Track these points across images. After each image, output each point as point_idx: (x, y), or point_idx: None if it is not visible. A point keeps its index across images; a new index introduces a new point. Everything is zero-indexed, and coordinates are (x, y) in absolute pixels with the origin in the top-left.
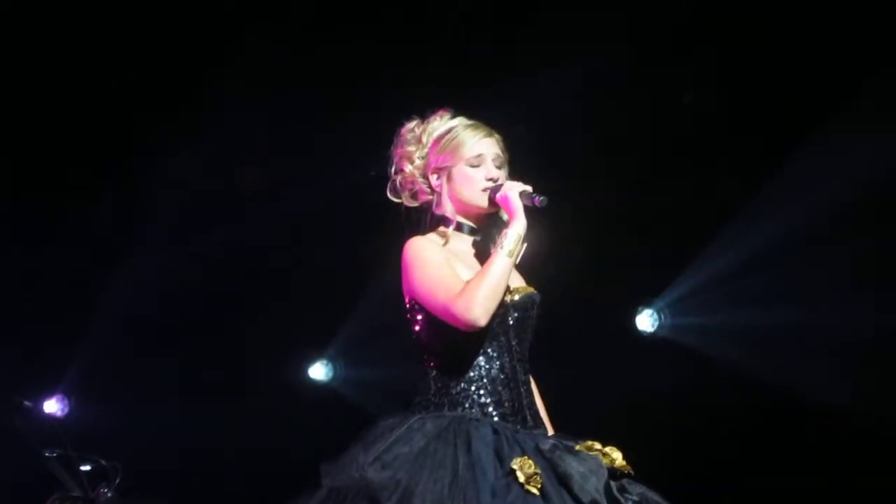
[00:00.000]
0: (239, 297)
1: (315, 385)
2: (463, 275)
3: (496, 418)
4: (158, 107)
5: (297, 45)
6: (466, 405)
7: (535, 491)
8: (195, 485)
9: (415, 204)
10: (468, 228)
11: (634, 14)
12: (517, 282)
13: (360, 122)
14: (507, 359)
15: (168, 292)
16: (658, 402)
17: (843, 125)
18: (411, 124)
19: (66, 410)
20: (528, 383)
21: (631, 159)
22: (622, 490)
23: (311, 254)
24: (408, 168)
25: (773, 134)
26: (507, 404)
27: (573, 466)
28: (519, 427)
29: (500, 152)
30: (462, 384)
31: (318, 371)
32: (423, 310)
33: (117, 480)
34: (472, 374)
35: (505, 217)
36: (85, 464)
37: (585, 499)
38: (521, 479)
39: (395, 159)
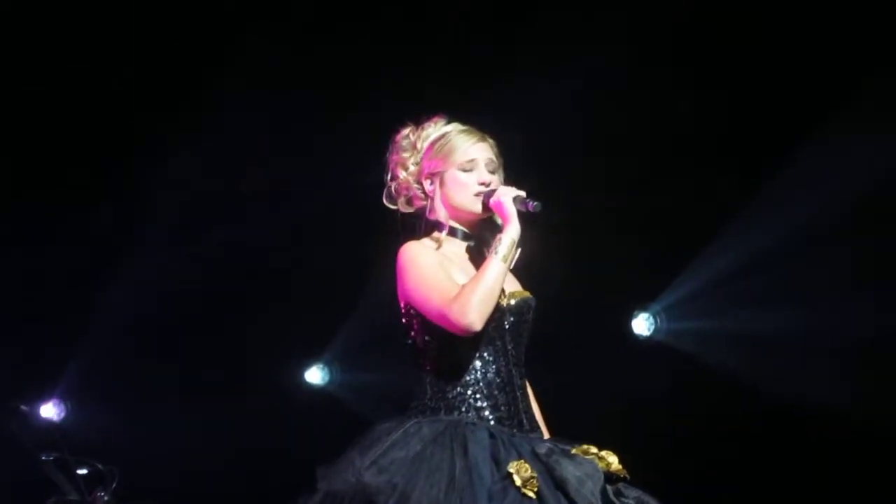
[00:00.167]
0: (236, 301)
1: (311, 389)
2: (458, 279)
3: (492, 422)
4: (158, 107)
5: (297, 45)
6: (463, 409)
7: (531, 495)
8: (192, 489)
9: (410, 210)
10: (461, 233)
11: (634, 14)
12: (513, 286)
13: (360, 122)
14: (503, 363)
15: (165, 298)
16: (654, 406)
17: (843, 125)
18: (406, 130)
19: (63, 414)
20: (524, 387)
21: (628, 161)
22: (618, 494)
23: (308, 257)
24: (402, 174)
25: (772, 135)
26: (503, 408)
27: (569, 470)
28: (515, 431)
29: (493, 157)
30: (458, 388)
31: (315, 375)
32: (418, 314)
33: (114, 484)
34: (468, 378)
35: (499, 221)
36: (82, 468)
37: (582, 503)
38: (518, 482)
39: (391, 165)
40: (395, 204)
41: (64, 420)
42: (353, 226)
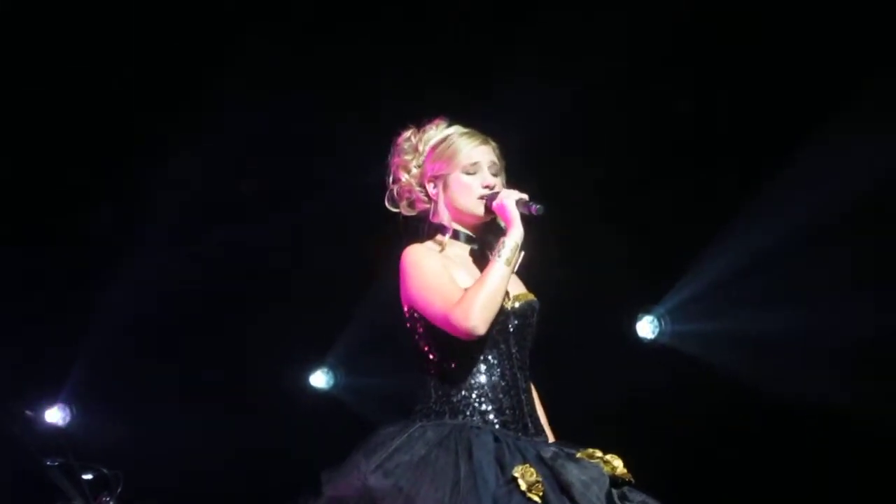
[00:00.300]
0: (239, 304)
1: (316, 393)
2: (461, 282)
3: (497, 426)
4: (158, 107)
5: (297, 45)
6: (467, 413)
7: (536, 499)
8: (195, 491)
9: (413, 213)
10: (465, 236)
11: (634, 14)
12: (517, 289)
13: (359, 123)
14: (508, 366)
15: (166, 301)
16: (659, 409)
17: (843, 125)
18: (407, 133)
19: (68, 419)
20: (529, 390)
21: (629, 163)
22: (623, 498)
23: (311, 260)
24: (404, 177)
25: (772, 135)
26: (507, 412)
27: (574, 475)
28: (520, 434)
29: (495, 160)
30: (463, 392)
31: (319, 379)
32: (421, 318)
33: (119, 489)
34: (472, 381)
35: (502, 224)
36: (87, 473)
37: None
38: (523, 486)
39: (392, 168)
40: (397, 207)
41: (69, 425)
42: (356, 227)
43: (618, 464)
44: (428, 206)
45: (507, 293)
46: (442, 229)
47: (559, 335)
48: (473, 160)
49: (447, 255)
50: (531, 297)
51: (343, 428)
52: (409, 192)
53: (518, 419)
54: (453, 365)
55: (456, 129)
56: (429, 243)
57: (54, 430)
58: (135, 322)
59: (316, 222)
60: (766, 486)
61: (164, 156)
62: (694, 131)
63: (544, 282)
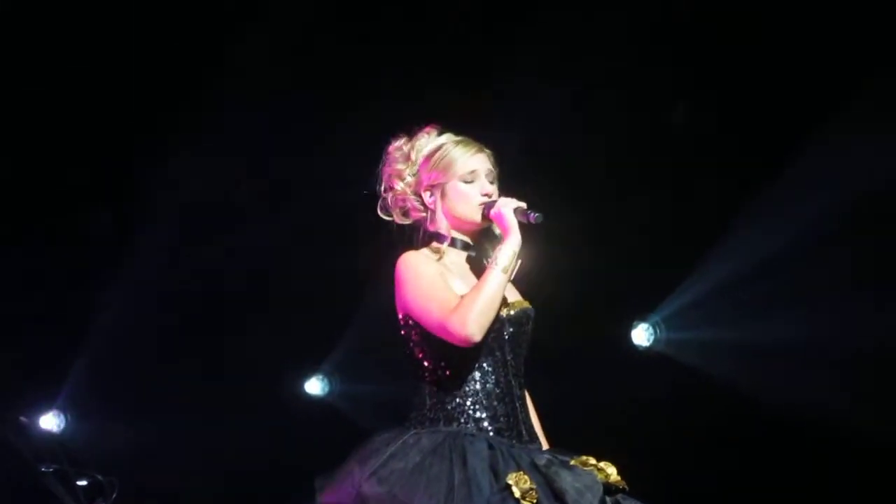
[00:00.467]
0: (235, 311)
1: (311, 400)
2: (458, 289)
3: (491, 433)
4: (158, 107)
5: (297, 45)
6: (462, 420)
7: None
8: (192, 499)
9: (407, 221)
10: (462, 243)
11: (634, 15)
12: (512, 296)
13: (359, 124)
14: (503, 373)
15: (163, 311)
16: (654, 417)
17: (843, 127)
18: (398, 142)
19: (63, 426)
20: (524, 398)
21: (626, 170)
22: None
23: (306, 267)
24: (398, 186)
25: (771, 141)
26: (502, 419)
27: (568, 482)
28: (514, 442)
29: (492, 167)
30: (457, 399)
31: (314, 386)
32: (417, 325)
33: (114, 496)
34: (467, 388)
35: (497, 231)
36: (81, 479)
37: None
38: (517, 494)
39: (385, 177)
40: (391, 215)
41: (63, 431)
42: (352, 234)
43: (611, 471)
44: (423, 214)
45: (503, 300)
46: (439, 237)
47: (554, 342)
48: (471, 168)
49: (444, 262)
50: (526, 304)
51: (338, 435)
52: (404, 200)
53: (512, 426)
54: (448, 372)
55: (449, 138)
56: (425, 251)
57: (49, 436)
58: (130, 329)
59: (312, 228)
60: (764, 495)
61: (163, 157)
62: (692, 135)
63: (540, 289)
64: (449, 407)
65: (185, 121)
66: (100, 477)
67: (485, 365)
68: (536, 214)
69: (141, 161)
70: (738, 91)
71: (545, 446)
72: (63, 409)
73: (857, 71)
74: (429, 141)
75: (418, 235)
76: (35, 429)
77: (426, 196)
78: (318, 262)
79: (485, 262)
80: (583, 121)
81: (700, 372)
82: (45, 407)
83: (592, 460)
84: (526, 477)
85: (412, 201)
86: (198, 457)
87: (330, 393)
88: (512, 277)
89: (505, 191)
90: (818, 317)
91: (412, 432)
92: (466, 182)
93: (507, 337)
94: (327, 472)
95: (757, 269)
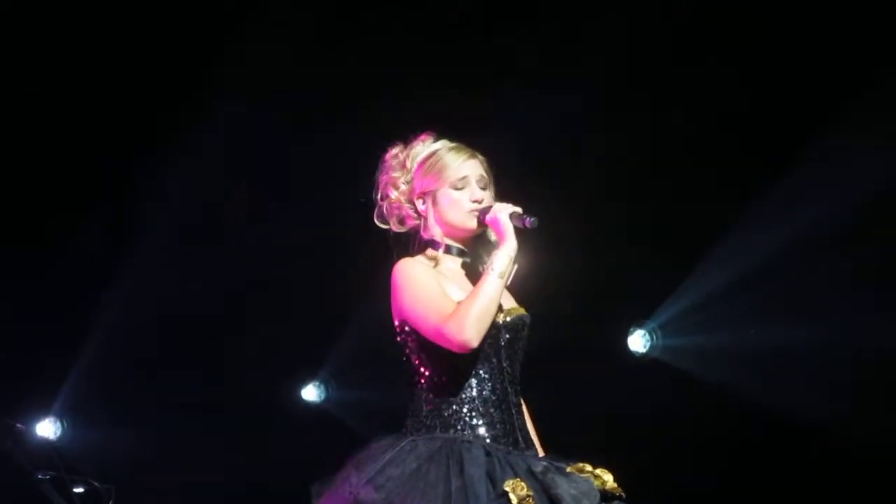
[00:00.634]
0: (232, 318)
1: (307, 406)
2: (454, 296)
3: (488, 440)
4: (159, 108)
5: (297, 45)
6: (458, 427)
7: None
8: None
9: (403, 229)
10: (457, 250)
11: (634, 16)
12: (508, 303)
13: (359, 127)
14: (499, 380)
15: (160, 319)
16: (650, 424)
17: (843, 134)
18: (395, 150)
19: (59, 433)
20: (520, 405)
21: (622, 176)
22: None
23: (303, 274)
24: (393, 194)
25: (770, 144)
26: (498, 426)
27: (565, 489)
28: (511, 449)
29: (484, 173)
30: (454, 406)
31: (311, 392)
32: (413, 332)
33: (111, 503)
34: (463, 395)
35: (493, 237)
36: (78, 486)
37: None
38: (514, 501)
39: (381, 185)
40: (387, 224)
41: (60, 438)
42: (349, 241)
43: (608, 478)
44: (418, 222)
45: (499, 307)
46: (433, 244)
47: (550, 349)
48: (461, 175)
49: (440, 269)
50: (522, 311)
51: (334, 441)
52: (399, 208)
53: (508, 433)
54: (444, 379)
55: (444, 144)
56: (420, 257)
57: (46, 443)
58: (126, 337)
59: (311, 234)
60: (763, 502)
61: (164, 157)
62: (690, 142)
63: (536, 296)
64: (445, 414)
65: (184, 121)
66: (97, 484)
67: (481, 372)
68: (532, 219)
69: (141, 161)
70: (734, 102)
71: (541, 453)
72: (59, 416)
73: (858, 72)
74: (424, 148)
75: (414, 243)
76: (31, 436)
77: (419, 203)
78: (315, 268)
79: (480, 268)
80: (580, 125)
81: (697, 378)
82: (41, 414)
83: (589, 467)
84: (523, 484)
85: (407, 209)
86: (195, 464)
87: (326, 399)
88: (508, 283)
89: (501, 195)
90: (815, 322)
91: (409, 439)
92: (457, 189)
93: (503, 344)
94: (324, 478)
95: (752, 277)
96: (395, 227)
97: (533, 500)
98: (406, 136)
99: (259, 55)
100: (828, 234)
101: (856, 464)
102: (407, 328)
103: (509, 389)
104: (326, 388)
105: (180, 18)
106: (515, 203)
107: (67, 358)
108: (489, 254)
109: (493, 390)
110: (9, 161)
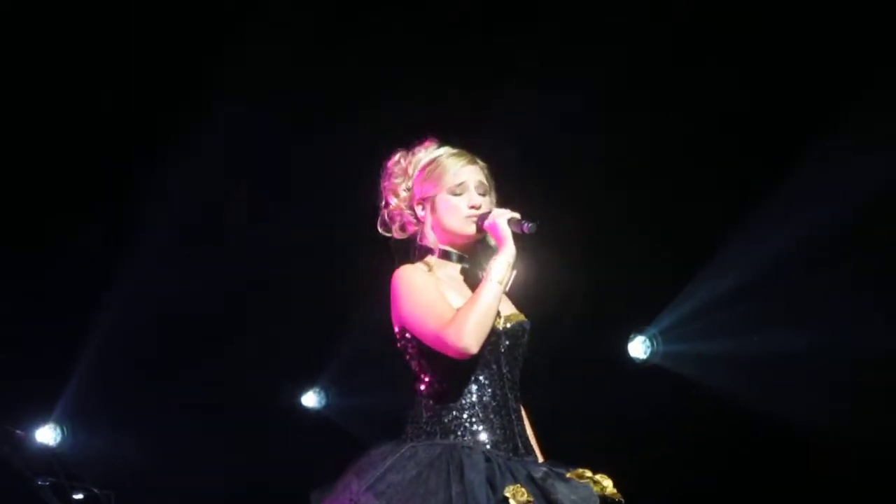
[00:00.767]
0: (232, 324)
1: (307, 413)
2: (454, 302)
3: (488, 446)
4: (160, 108)
5: (297, 45)
6: (458, 433)
7: None
8: None
9: (404, 236)
10: (456, 256)
11: (633, 17)
12: (508, 309)
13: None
14: (499, 386)
15: (161, 320)
16: (651, 430)
17: (842, 140)
18: (397, 156)
19: (59, 439)
20: (519, 410)
21: (623, 183)
22: None
23: (303, 279)
24: (394, 201)
25: (769, 150)
26: (498, 432)
27: (565, 494)
28: (511, 455)
29: (483, 179)
30: (454, 412)
31: (311, 399)
32: (413, 338)
33: None
34: (463, 401)
35: (492, 242)
36: (77, 492)
37: None
38: None
39: (383, 192)
40: (390, 231)
41: (60, 445)
42: (350, 247)
43: (608, 484)
44: (418, 228)
45: (498, 313)
46: (432, 250)
47: (551, 355)
48: (460, 180)
49: (439, 275)
50: (522, 317)
51: (334, 448)
52: (400, 215)
53: (508, 439)
54: (444, 385)
55: (444, 150)
56: (419, 264)
57: (45, 449)
58: (125, 344)
59: (311, 238)
60: None
61: (164, 157)
62: (690, 146)
63: (536, 302)
64: (446, 420)
65: (184, 121)
66: (96, 490)
67: (481, 378)
68: (530, 224)
69: (141, 161)
70: (738, 94)
71: (541, 459)
72: (59, 423)
73: (858, 72)
74: (426, 154)
75: (414, 249)
76: (31, 442)
77: (418, 209)
78: (315, 268)
79: (479, 274)
80: (580, 125)
81: (697, 384)
82: (41, 420)
83: (589, 473)
84: (523, 490)
85: (407, 216)
86: (195, 470)
87: (327, 406)
88: (507, 289)
89: (501, 198)
90: (815, 328)
91: (409, 445)
92: (455, 194)
93: (502, 350)
94: (324, 484)
95: (753, 285)
96: (397, 234)
97: None
98: (408, 141)
99: (259, 55)
100: (828, 235)
101: (856, 469)
102: (407, 334)
103: (509, 395)
104: (327, 395)
105: (180, 18)
106: (515, 205)
107: (67, 360)
108: (489, 260)
109: (493, 396)
110: (9, 161)
